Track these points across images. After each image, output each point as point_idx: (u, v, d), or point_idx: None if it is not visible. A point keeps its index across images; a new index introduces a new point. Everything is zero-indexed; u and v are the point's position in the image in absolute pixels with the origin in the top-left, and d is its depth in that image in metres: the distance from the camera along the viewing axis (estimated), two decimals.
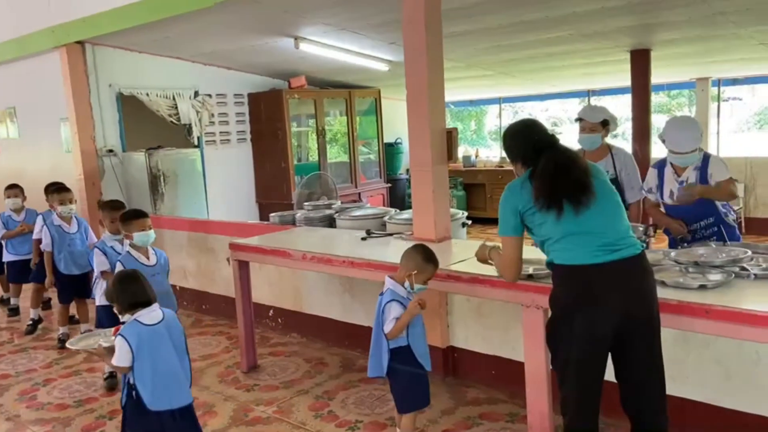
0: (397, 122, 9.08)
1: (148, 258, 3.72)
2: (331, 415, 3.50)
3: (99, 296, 3.99)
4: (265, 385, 3.95)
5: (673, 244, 3.61)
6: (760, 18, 5.16)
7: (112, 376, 4.02)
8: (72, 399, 3.89)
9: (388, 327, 2.76)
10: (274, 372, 4.16)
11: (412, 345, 2.82)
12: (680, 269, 2.68)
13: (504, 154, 2.82)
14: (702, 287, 2.45)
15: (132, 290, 2.65)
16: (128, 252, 3.71)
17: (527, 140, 2.47)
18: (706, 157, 3.51)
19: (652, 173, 3.71)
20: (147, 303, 2.66)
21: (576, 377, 2.37)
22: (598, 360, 2.37)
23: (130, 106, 6.76)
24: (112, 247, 4.02)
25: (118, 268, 3.58)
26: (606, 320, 2.30)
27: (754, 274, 2.54)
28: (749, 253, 2.71)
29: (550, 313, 2.48)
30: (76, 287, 4.92)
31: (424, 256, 2.84)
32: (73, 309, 5.06)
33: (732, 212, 3.61)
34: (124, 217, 3.76)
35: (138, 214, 3.76)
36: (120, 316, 2.67)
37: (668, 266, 2.74)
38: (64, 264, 4.88)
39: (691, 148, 3.41)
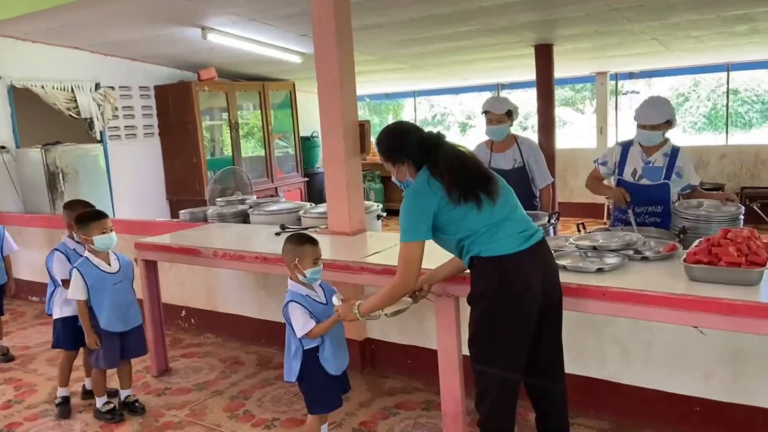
0: (312, 115, 8.88)
1: (109, 264, 3.36)
2: (247, 415, 3.43)
3: (58, 307, 3.55)
4: (177, 388, 3.82)
5: (615, 223, 3.64)
6: (651, 14, 5.48)
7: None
8: None
9: (300, 331, 2.66)
10: (187, 374, 4.03)
11: (321, 347, 2.71)
12: (580, 254, 2.81)
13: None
14: (600, 270, 2.59)
15: None
16: (86, 258, 3.32)
17: (415, 139, 2.42)
18: (676, 149, 3.52)
19: (615, 149, 3.68)
20: None
21: (502, 366, 2.37)
22: (526, 346, 2.39)
23: (24, 99, 6.33)
24: (74, 249, 3.58)
25: (75, 277, 3.26)
26: (534, 305, 2.34)
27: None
28: (642, 237, 2.89)
29: (477, 311, 2.38)
30: None
31: (296, 242, 2.76)
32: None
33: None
34: (81, 218, 3.35)
35: (97, 215, 3.37)
36: None
37: (569, 251, 2.86)
38: None
39: (656, 121, 3.41)
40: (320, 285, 2.84)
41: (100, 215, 3.39)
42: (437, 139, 2.41)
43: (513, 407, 2.47)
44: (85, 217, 3.37)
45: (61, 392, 3.62)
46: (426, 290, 2.68)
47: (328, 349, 2.72)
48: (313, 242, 2.77)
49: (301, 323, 2.65)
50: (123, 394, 3.54)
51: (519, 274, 2.32)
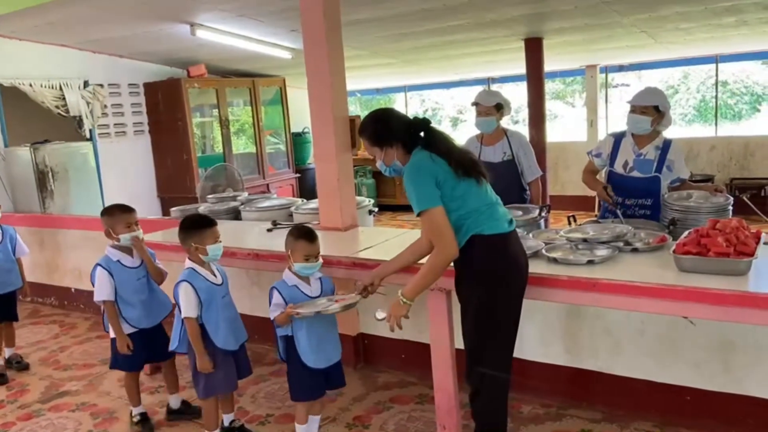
0: (303, 111, 8.81)
1: (215, 275, 2.96)
2: (241, 411, 3.43)
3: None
4: None
5: (605, 215, 3.63)
6: (639, 6, 5.50)
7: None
8: None
9: (271, 313, 2.75)
10: (180, 372, 3.99)
11: (296, 338, 2.75)
12: (571, 246, 2.83)
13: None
14: (590, 262, 2.60)
15: None
16: (193, 269, 2.89)
17: (401, 122, 2.49)
18: (668, 141, 3.51)
19: (607, 140, 3.67)
20: None
21: (501, 345, 2.42)
22: (517, 323, 2.45)
23: (12, 97, 6.28)
24: (119, 261, 3.19)
25: (187, 291, 2.82)
26: (524, 283, 2.44)
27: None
28: (632, 229, 2.90)
29: (481, 294, 2.36)
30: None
31: (294, 235, 2.79)
32: None
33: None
34: (191, 224, 2.93)
35: (211, 222, 2.95)
36: None
37: (560, 244, 2.88)
38: None
39: (644, 103, 3.43)
40: (320, 279, 2.87)
41: (213, 221, 2.98)
42: (425, 122, 2.47)
43: (506, 399, 2.50)
44: (198, 223, 2.96)
45: (137, 410, 3.36)
46: (377, 285, 2.69)
47: (304, 340, 2.75)
48: (309, 239, 2.78)
49: (271, 309, 2.75)
50: (227, 419, 3.17)
51: (513, 252, 2.41)
